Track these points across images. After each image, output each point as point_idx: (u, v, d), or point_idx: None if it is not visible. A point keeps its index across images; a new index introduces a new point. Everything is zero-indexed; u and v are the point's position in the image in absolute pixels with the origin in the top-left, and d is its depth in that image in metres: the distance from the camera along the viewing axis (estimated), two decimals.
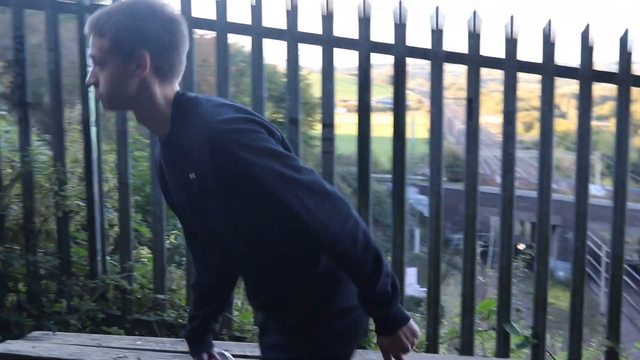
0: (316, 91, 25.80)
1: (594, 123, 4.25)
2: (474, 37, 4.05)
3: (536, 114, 4.29)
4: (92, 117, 4.48)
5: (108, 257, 4.74)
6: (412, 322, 2.02)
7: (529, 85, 6.19)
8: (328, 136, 4.25)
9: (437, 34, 4.07)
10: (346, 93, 12.34)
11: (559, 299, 15.54)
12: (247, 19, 4.20)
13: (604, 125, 37.28)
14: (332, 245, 1.90)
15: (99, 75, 1.98)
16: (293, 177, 1.87)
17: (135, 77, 1.96)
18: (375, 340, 3.85)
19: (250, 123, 1.90)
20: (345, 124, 7.76)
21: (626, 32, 3.98)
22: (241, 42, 25.29)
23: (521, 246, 7.60)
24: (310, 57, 4.93)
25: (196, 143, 1.89)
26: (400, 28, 4.09)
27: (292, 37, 4.17)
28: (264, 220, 1.98)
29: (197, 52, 4.43)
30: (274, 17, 4.09)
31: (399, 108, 4.17)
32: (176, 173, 2.06)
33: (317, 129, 14.21)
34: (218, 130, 1.87)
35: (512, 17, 4.04)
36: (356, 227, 1.90)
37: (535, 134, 4.84)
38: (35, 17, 5.06)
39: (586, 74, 4.05)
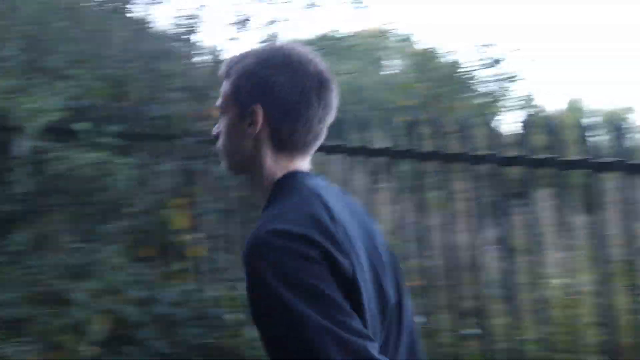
0: None
1: None
2: None
3: None
4: None
5: None
6: None
7: None
8: None
9: None
10: None
11: None
12: None
13: None
14: None
15: (221, 126, 1.70)
16: (322, 326, 1.33)
17: (248, 135, 1.62)
18: None
19: (304, 245, 1.40)
20: None
21: None
22: None
23: None
24: None
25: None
26: None
27: None
28: None
29: None
30: None
31: None
32: None
33: None
34: (260, 241, 1.41)
35: None
36: None
37: None
38: None
39: None
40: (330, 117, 1.66)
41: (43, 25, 6.78)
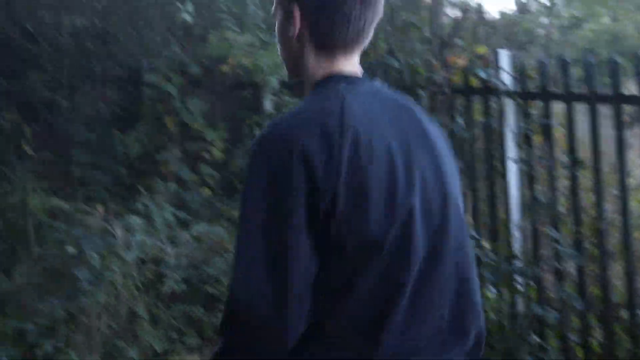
0: None
1: None
2: None
3: None
4: None
5: None
6: None
7: None
8: None
9: None
10: None
11: None
12: None
13: None
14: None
15: (276, 33, 1.75)
16: (248, 214, 1.48)
17: (291, 36, 1.66)
18: None
19: (285, 149, 1.45)
20: None
21: None
22: None
23: None
24: None
25: None
26: None
27: None
28: None
29: None
30: None
31: None
32: None
33: None
34: (255, 140, 1.53)
35: None
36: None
37: None
38: None
39: None
40: (373, 14, 1.63)
41: None
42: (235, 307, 1.44)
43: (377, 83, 1.69)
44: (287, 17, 1.65)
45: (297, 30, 1.64)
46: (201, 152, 7.00)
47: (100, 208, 6.19)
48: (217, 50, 6.60)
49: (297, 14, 1.62)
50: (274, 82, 6.23)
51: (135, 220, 5.61)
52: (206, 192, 6.82)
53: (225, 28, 6.47)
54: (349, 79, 1.62)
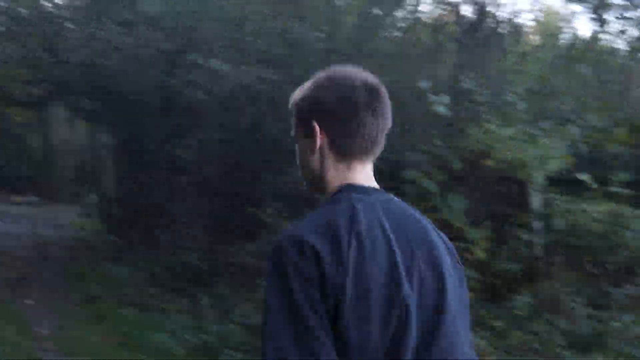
0: None
1: None
2: None
3: None
4: None
5: None
6: None
7: None
8: None
9: None
10: None
11: None
12: None
13: None
14: None
15: (297, 151, 1.89)
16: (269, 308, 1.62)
17: (312, 150, 1.80)
18: None
19: (299, 252, 1.61)
20: None
21: None
22: None
23: None
24: None
25: None
26: None
27: None
28: None
29: None
30: None
31: None
32: None
33: None
34: (273, 245, 1.66)
35: None
36: None
37: None
38: None
39: None
40: (385, 124, 1.79)
41: (552, 69, 6.36)
42: None
43: (388, 195, 1.81)
44: (308, 134, 1.79)
45: (318, 143, 1.77)
46: (462, 253, 6.52)
47: None
48: (477, 143, 6.16)
49: (317, 128, 1.77)
50: (540, 177, 5.64)
51: None
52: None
53: (485, 121, 6.02)
54: (361, 189, 1.76)
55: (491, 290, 6.35)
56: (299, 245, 1.60)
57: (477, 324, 5.99)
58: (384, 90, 1.81)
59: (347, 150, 1.77)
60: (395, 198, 1.82)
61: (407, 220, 1.77)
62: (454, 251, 1.82)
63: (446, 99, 6.17)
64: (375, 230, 1.68)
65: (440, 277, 1.72)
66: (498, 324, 5.86)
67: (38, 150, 29.30)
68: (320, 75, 1.84)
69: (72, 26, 12.40)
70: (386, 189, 5.95)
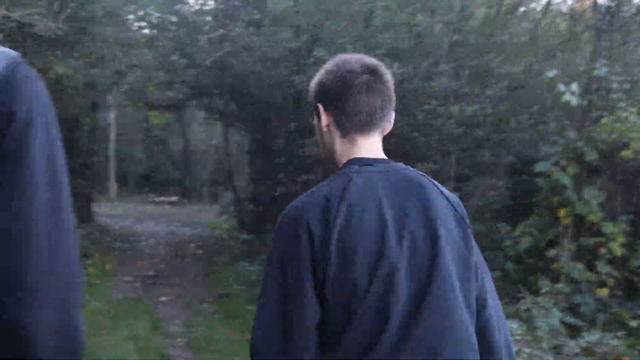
0: None
1: None
2: None
3: None
4: None
5: None
6: None
7: None
8: None
9: None
10: None
11: None
12: None
13: None
14: None
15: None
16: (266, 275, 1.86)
17: (322, 132, 2.00)
18: None
19: (294, 221, 1.83)
20: None
21: None
22: None
23: None
24: None
25: None
26: None
27: None
28: None
29: None
30: None
31: None
32: None
33: None
34: (278, 220, 1.90)
35: None
36: None
37: None
38: None
39: None
40: (382, 100, 1.94)
41: None
42: (253, 352, 1.80)
43: (396, 164, 1.95)
44: (317, 115, 2.00)
45: (324, 123, 1.97)
46: (598, 248, 6.22)
47: None
48: (612, 134, 5.85)
49: (321, 110, 1.97)
50: None
51: (512, 326, 5.05)
52: (602, 293, 5.99)
53: (622, 109, 5.70)
54: (365, 161, 1.93)
55: (627, 288, 6.03)
56: (295, 223, 1.81)
57: (611, 323, 5.70)
58: (382, 70, 1.97)
59: (347, 127, 1.95)
60: (403, 166, 1.96)
61: (407, 185, 1.90)
62: (461, 209, 1.93)
63: (576, 87, 5.88)
64: (368, 198, 1.84)
65: (434, 240, 1.83)
66: (634, 324, 5.56)
67: (177, 152, 30.45)
68: (329, 62, 2.04)
69: (205, 28, 12.76)
70: (518, 182, 5.80)
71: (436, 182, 1.97)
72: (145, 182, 35.64)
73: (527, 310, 5.39)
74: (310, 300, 1.76)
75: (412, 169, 1.97)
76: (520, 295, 5.74)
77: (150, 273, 11.50)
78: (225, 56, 11.91)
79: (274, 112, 11.91)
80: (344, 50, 8.58)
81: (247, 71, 12.61)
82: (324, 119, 1.96)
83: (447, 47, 8.22)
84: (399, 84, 7.73)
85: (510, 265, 6.60)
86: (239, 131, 16.38)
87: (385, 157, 1.98)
